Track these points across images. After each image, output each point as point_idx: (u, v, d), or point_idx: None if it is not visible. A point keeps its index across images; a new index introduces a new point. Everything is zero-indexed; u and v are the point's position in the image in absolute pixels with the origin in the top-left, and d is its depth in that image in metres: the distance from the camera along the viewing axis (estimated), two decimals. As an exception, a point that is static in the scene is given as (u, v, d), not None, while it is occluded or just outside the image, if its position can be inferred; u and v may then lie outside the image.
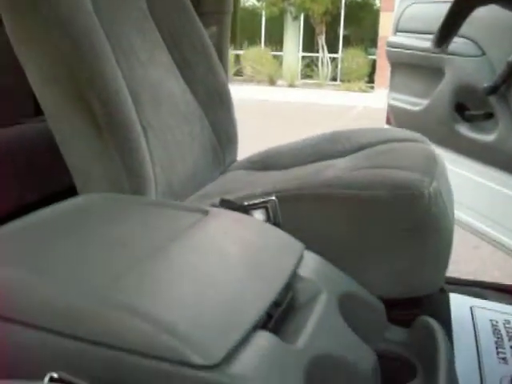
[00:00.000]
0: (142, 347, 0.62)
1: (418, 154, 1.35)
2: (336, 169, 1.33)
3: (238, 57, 15.33)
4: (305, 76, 15.56)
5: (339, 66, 15.30)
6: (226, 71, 1.88)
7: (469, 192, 2.02)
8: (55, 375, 0.52)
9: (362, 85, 14.36)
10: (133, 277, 0.72)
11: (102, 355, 0.62)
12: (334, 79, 15.23)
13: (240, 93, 10.54)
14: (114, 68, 1.27)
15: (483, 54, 1.91)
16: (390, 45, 2.46)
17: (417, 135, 1.56)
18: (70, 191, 1.24)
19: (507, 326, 1.58)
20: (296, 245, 0.92)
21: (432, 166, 1.26)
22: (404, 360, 0.90)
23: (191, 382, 0.60)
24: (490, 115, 1.91)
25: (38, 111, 1.38)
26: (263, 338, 0.68)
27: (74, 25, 1.22)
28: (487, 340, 1.48)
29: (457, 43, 1.98)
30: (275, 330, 0.72)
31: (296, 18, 15.91)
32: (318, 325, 0.76)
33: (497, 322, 1.59)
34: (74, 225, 0.89)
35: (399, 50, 2.38)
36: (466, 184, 2.04)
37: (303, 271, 0.87)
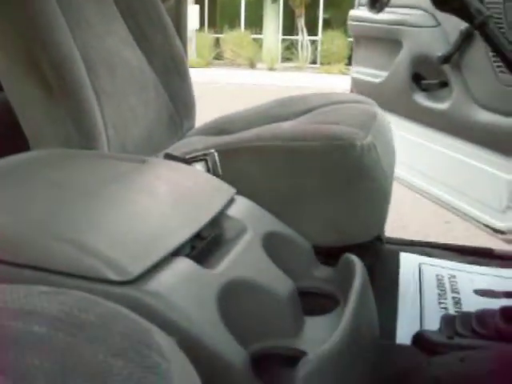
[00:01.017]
0: (65, 267, 0.68)
1: (358, 112, 1.40)
2: (277, 127, 1.38)
3: (217, 40, 15.29)
4: (285, 59, 15.51)
5: (319, 49, 15.26)
6: (183, 44, 1.93)
7: (423, 158, 2.08)
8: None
9: (342, 67, 14.31)
10: (64, 211, 0.78)
11: (29, 276, 0.68)
12: (314, 62, 15.17)
13: (217, 77, 10.56)
14: (66, 34, 1.32)
15: (438, 24, 1.96)
16: (352, 19, 2.50)
17: (362, 98, 1.61)
18: None
19: (452, 279, 1.66)
20: (227, 189, 0.98)
21: (369, 122, 1.31)
22: (329, 295, 0.96)
23: (108, 297, 0.66)
24: (444, 84, 1.97)
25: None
26: (181, 263, 0.75)
27: None
28: (431, 292, 1.56)
29: (413, 15, 2.03)
30: (197, 259, 0.78)
31: (275, 0, 15.85)
32: (238, 255, 0.82)
33: (442, 276, 1.67)
34: (19, 172, 0.95)
35: (360, 23, 2.42)
36: (422, 151, 2.10)
37: (232, 212, 0.93)
